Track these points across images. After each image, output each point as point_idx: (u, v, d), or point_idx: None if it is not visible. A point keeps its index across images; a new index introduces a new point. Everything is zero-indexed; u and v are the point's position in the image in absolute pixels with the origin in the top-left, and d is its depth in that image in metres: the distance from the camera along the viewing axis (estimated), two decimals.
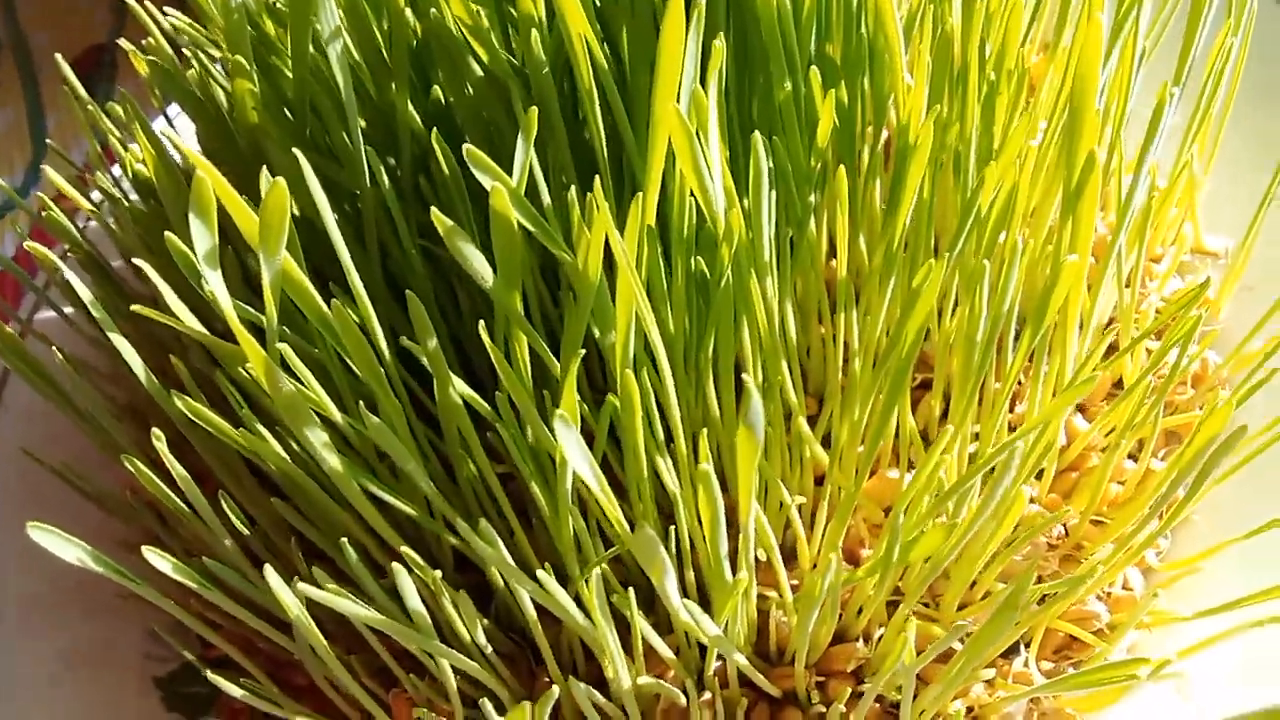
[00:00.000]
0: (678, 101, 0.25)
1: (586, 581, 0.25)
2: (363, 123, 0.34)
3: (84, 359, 0.37)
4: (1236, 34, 0.33)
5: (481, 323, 0.25)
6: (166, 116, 0.42)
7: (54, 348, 0.34)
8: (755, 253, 0.27)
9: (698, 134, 0.25)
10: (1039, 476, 0.36)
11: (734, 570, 0.27)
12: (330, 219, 0.25)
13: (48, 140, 0.41)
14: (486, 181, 0.23)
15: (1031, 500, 0.36)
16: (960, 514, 0.30)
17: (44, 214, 0.35)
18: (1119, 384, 0.39)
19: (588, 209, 0.24)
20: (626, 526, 0.25)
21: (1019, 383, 0.37)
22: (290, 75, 0.30)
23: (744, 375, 0.20)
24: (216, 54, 0.35)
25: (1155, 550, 0.36)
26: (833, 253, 0.42)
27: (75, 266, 0.37)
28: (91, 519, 0.38)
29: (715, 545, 0.26)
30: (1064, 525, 0.36)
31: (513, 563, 0.25)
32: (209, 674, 0.29)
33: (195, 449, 0.31)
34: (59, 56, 0.38)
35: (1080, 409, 0.38)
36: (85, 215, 0.40)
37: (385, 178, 0.29)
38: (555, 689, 0.24)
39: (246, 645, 0.35)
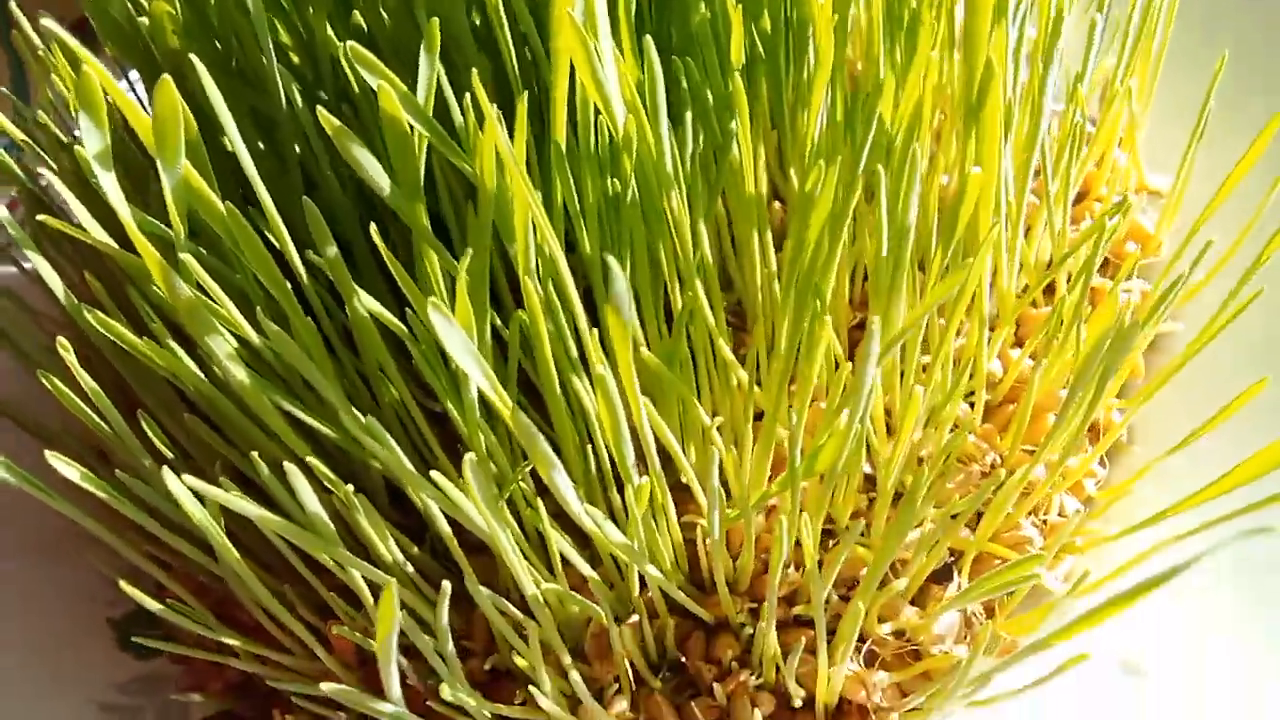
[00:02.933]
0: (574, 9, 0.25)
1: (505, 495, 0.25)
2: (294, 55, 0.34)
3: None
4: None
5: (374, 226, 0.25)
6: (128, 79, 0.42)
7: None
8: (659, 166, 0.27)
9: (594, 43, 0.25)
10: (974, 407, 0.36)
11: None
12: (235, 133, 0.26)
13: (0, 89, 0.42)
14: (374, 82, 0.24)
15: (967, 430, 0.36)
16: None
17: None
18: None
19: (483, 117, 0.24)
20: (521, 419, 0.25)
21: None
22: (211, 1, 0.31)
23: (607, 257, 0.20)
24: None
25: (1095, 480, 0.36)
26: (776, 197, 0.42)
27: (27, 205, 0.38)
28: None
29: (620, 451, 0.26)
30: (999, 455, 0.36)
31: (409, 465, 0.25)
32: (154, 605, 0.29)
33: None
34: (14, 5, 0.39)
35: (1020, 343, 0.38)
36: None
37: (300, 102, 0.29)
38: (447, 585, 0.24)
39: (196, 587, 0.36)
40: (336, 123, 0.24)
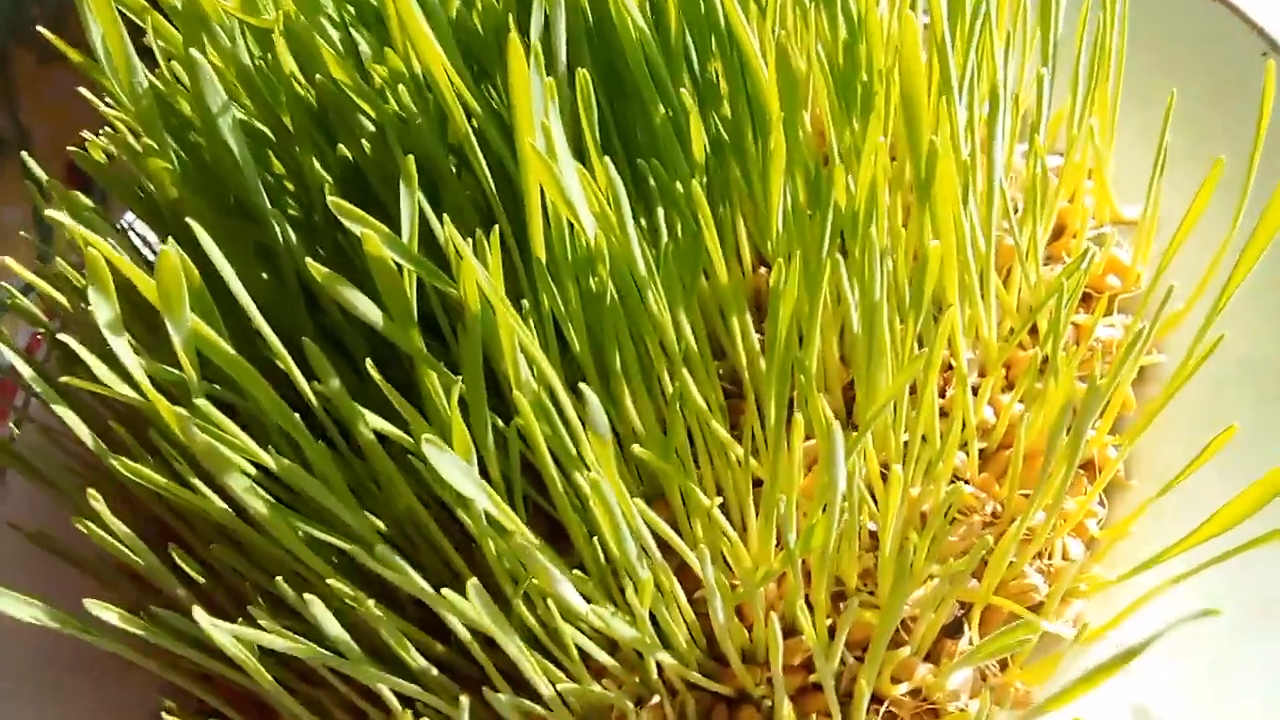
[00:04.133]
0: (535, 134, 0.27)
1: (519, 595, 0.26)
2: (288, 183, 0.36)
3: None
4: (1107, 10, 0.34)
5: (369, 359, 0.27)
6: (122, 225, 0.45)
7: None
8: (633, 266, 0.28)
9: (556, 162, 0.27)
10: (980, 459, 0.37)
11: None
12: (233, 278, 0.27)
13: (21, 233, 0.44)
14: (356, 229, 0.25)
15: (965, 481, 0.37)
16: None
17: (10, 302, 0.38)
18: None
19: (452, 247, 0.26)
20: (525, 536, 0.26)
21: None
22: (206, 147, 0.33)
23: (581, 385, 0.21)
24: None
25: (1096, 520, 0.37)
26: (762, 262, 0.43)
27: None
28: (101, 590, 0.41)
29: (622, 550, 0.28)
30: (999, 503, 0.37)
31: (423, 583, 0.26)
32: None
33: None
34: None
35: (1013, 386, 0.39)
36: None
37: (294, 235, 0.31)
38: (465, 699, 0.26)
39: (237, 697, 0.37)
40: (325, 270, 0.26)
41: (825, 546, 0.28)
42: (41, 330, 0.40)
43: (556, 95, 0.26)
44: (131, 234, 0.43)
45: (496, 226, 0.26)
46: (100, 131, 0.41)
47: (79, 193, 0.39)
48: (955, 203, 0.28)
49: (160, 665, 0.33)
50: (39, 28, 0.37)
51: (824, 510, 0.29)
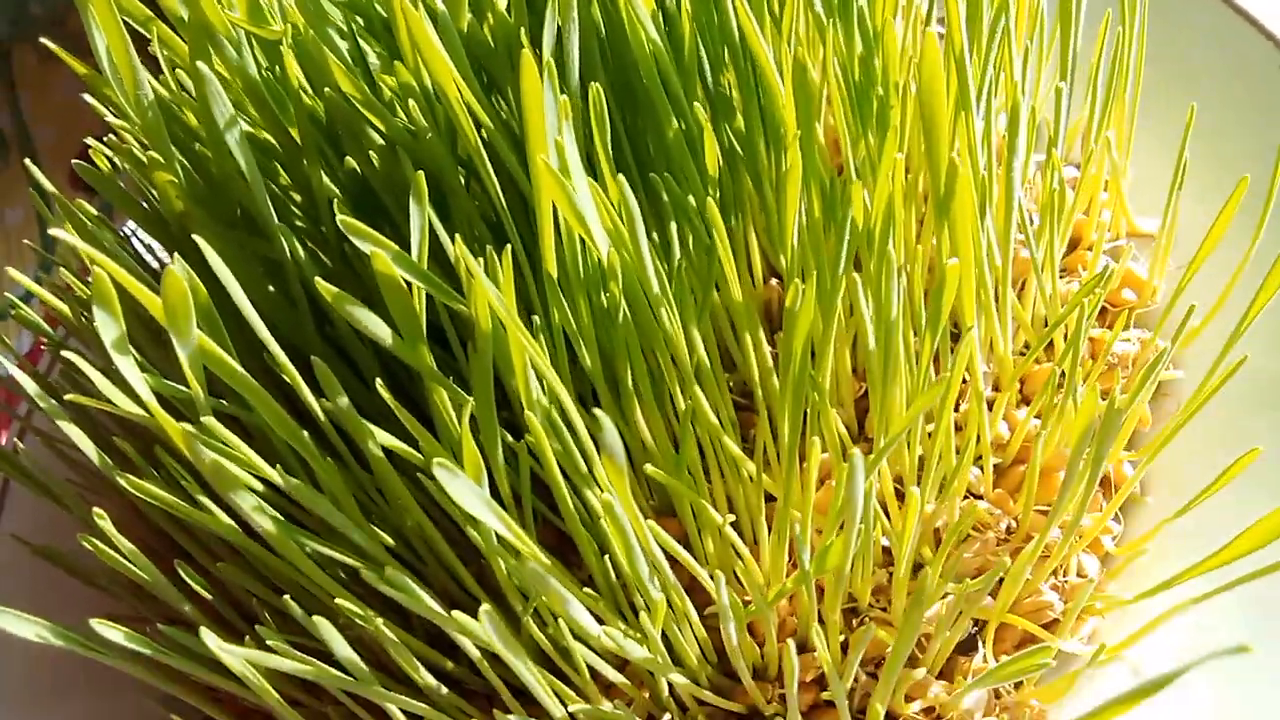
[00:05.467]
0: (548, 149, 0.26)
1: (529, 614, 0.26)
2: (297, 198, 0.36)
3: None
4: (1126, 23, 0.33)
5: (378, 380, 0.26)
6: (125, 231, 0.44)
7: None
8: (646, 284, 0.28)
9: (570, 179, 0.26)
10: (994, 474, 0.36)
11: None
12: (241, 297, 0.27)
13: (25, 241, 0.43)
14: (366, 247, 0.25)
15: (979, 496, 0.36)
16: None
17: (14, 312, 0.37)
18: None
19: (464, 264, 0.26)
20: (538, 558, 0.26)
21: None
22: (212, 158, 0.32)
23: (597, 411, 0.21)
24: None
25: (1112, 536, 0.37)
26: (773, 273, 0.43)
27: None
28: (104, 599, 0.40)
29: (635, 572, 0.27)
30: (1013, 519, 0.36)
31: (432, 603, 0.26)
32: None
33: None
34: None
35: (1027, 402, 0.39)
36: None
37: (299, 248, 0.31)
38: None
39: (244, 712, 0.37)
40: (334, 290, 0.25)
41: (841, 567, 0.27)
42: (45, 339, 0.40)
43: (570, 114, 0.26)
44: (135, 240, 0.42)
45: (509, 246, 0.25)
46: (104, 139, 0.40)
47: (82, 200, 0.39)
48: (973, 219, 0.28)
49: (164, 680, 0.33)
50: (41, 36, 0.37)
51: (840, 529, 0.28)
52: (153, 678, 0.32)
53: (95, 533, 0.30)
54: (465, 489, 0.23)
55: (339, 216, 0.25)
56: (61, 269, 0.38)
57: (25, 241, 0.43)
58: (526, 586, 0.26)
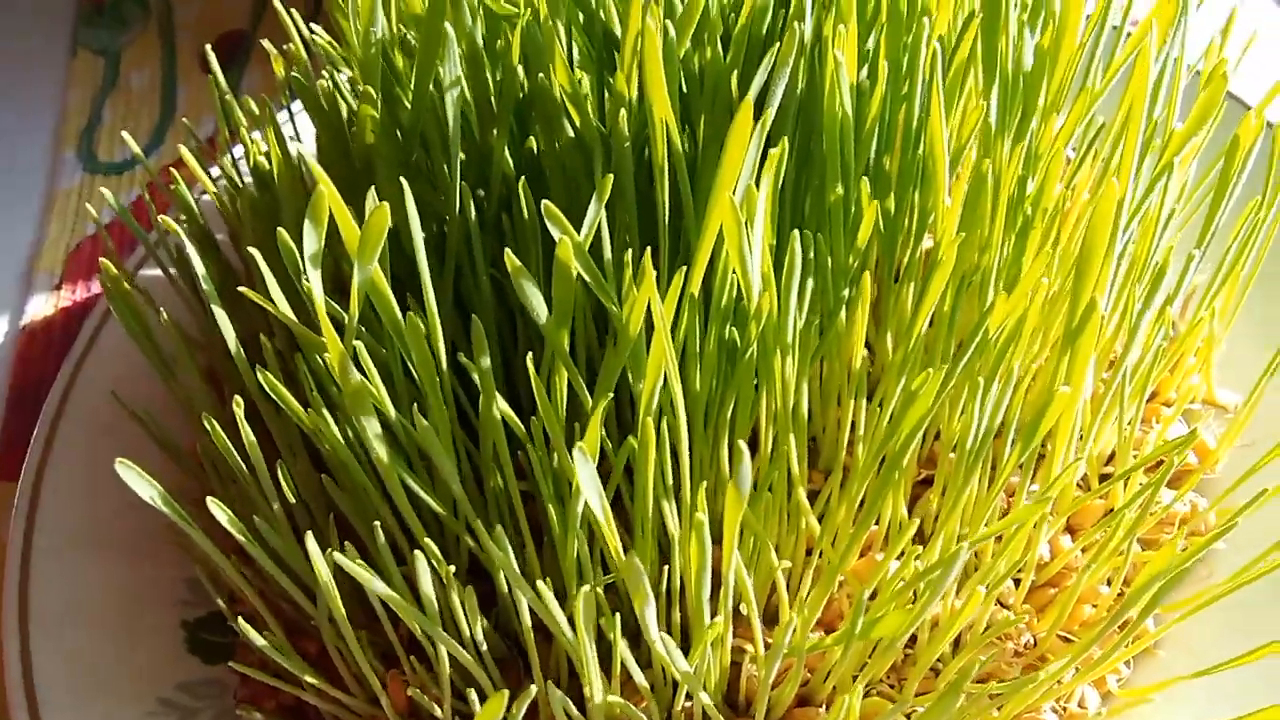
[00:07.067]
0: (734, 192, 0.28)
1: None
2: (463, 156, 0.38)
3: (176, 319, 0.42)
4: (1263, 210, 0.35)
5: (530, 354, 0.28)
6: (290, 111, 0.46)
7: (154, 305, 0.39)
8: (780, 333, 0.30)
9: (746, 224, 0.28)
10: (1018, 585, 0.38)
11: (714, 616, 0.30)
12: (420, 242, 0.29)
13: (181, 117, 0.45)
14: (556, 232, 0.27)
15: (1005, 606, 0.38)
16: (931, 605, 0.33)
17: (171, 186, 0.39)
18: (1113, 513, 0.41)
19: (640, 272, 0.28)
20: (624, 555, 0.28)
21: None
22: (409, 106, 0.34)
23: (739, 441, 0.23)
24: (347, 73, 0.39)
25: (1117, 676, 0.38)
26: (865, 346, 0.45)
27: (185, 234, 0.42)
28: (151, 462, 0.42)
29: (699, 588, 0.29)
30: (1033, 636, 0.38)
31: (518, 571, 0.28)
32: (237, 622, 0.32)
33: (263, 420, 0.35)
34: (209, 49, 0.43)
35: (1071, 531, 0.41)
36: (199, 189, 0.44)
37: (472, 210, 0.33)
38: (533, 688, 0.27)
39: (271, 606, 0.39)
40: (517, 263, 0.27)
41: (895, 638, 0.29)
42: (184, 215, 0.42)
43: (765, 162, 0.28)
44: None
45: (685, 268, 0.27)
46: (285, 47, 0.42)
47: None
48: (1088, 359, 0.30)
49: (210, 547, 0.34)
50: None
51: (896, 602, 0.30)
52: (219, 557, 0.33)
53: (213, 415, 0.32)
54: (589, 475, 0.25)
55: (544, 202, 0.27)
56: (220, 156, 0.40)
57: (184, 121, 0.45)
58: (624, 576, 0.28)
